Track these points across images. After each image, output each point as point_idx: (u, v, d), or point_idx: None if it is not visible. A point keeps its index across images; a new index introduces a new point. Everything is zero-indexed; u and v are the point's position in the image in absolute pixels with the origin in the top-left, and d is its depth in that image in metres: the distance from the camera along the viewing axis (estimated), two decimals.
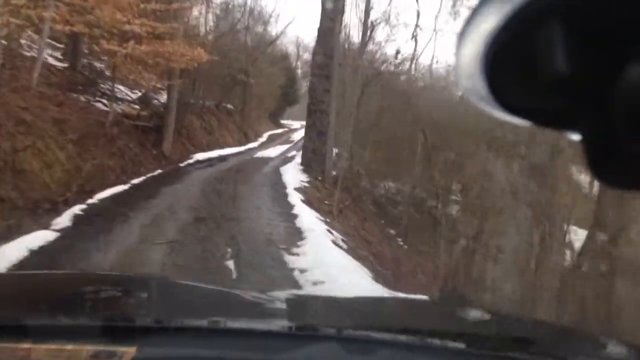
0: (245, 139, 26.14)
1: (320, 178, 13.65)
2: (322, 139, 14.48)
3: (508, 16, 0.30)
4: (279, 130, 37.89)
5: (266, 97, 35.31)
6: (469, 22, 0.33)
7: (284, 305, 1.55)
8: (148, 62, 12.34)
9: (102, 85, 15.11)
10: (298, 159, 17.42)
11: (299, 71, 48.68)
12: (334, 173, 14.59)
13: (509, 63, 0.33)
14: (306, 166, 14.51)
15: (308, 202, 9.99)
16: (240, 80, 25.97)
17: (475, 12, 0.32)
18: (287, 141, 28.65)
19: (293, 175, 13.20)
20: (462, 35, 0.34)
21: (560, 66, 0.30)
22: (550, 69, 0.30)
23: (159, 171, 11.78)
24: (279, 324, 1.14)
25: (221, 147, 20.61)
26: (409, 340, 1.07)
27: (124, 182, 9.70)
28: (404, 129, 16.44)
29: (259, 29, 33.06)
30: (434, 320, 1.51)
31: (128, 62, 12.37)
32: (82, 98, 13.82)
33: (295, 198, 9.80)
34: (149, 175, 11.09)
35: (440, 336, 1.12)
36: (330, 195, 11.82)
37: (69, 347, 0.86)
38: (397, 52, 17.87)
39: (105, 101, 13.71)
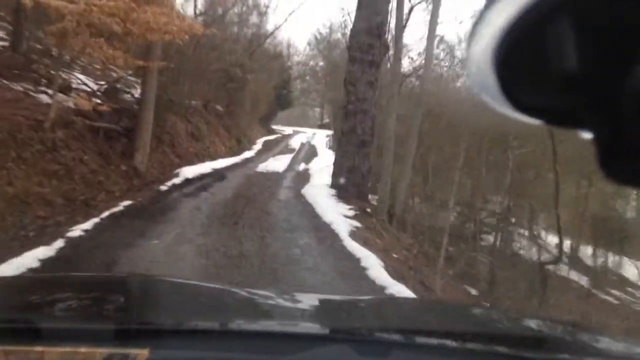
0: (238, 146, 21.75)
1: (367, 209, 9.36)
2: (364, 153, 10.23)
3: (519, 14, 0.30)
4: (273, 137, 33.53)
5: (260, 99, 30.98)
6: (480, 19, 0.33)
7: (295, 307, 1.52)
8: (113, 31, 7.87)
9: (52, 72, 10.64)
10: (317, 177, 13.13)
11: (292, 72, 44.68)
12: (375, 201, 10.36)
13: (520, 61, 0.33)
14: (339, 189, 10.22)
15: (382, 259, 5.71)
16: (234, 76, 21.59)
17: (486, 10, 0.32)
18: (287, 149, 24.31)
19: (328, 206, 8.92)
20: (473, 32, 0.33)
21: (570, 64, 0.30)
22: (561, 67, 0.30)
23: (126, 203, 7.25)
24: (291, 326, 1.13)
25: (212, 157, 16.22)
26: (423, 341, 1.06)
27: (52, 237, 5.06)
28: (459, 144, 12.26)
29: (255, 19, 28.82)
30: (448, 321, 1.45)
31: (82, 30, 7.90)
32: (18, 87, 9.37)
33: (366, 260, 5.52)
34: (106, 213, 6.53)
35: (455, 337, 1.10)
36: (395, 241, 7.53)
37: (82, 349, 0.86)
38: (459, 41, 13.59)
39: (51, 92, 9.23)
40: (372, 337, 1.08)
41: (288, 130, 44.54)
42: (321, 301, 1.68)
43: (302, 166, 17.02)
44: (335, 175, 10.80)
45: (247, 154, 20.13)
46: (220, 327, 1.03)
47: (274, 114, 39.90)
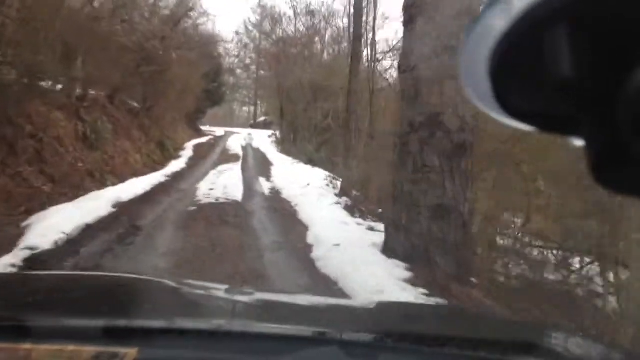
0: (161, 154, 15.50)
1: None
2: (460, 173, 4.63)
3: (514, 20, 0.30)
4: (204, 139, 27.22)
5: (187, 91, 24.66)
6: (475, 24, 0.33)
7: (286, 308, 1.55)
8: None
9: None
10: (311, 210, 7.39)
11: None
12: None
13: (514, 66, 0.33)
14: (410, 260, 4.56)
15: None
16: (153, 54, 15.30)
17: (482, 15, 0.32)
18: (229, 156, 18.26)
19: None
20: (468, 37, 0.33)
21: (565, 70, 0.30)
22: (556, 73, 0.31)
23: None
24: (282, 327, 1.12)
25: (119, 176, 10.04)
26: (413, 346, 1.06)
27: None
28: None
29: None
30: (440, 325, 1.46)
31: None
32: None
33: None
34: None
35: (446, 341, 1.08)
36: None
37: (70, 347, 0.86)
38: None
39: None
40: (361, 340, 1.07)
41: (219, 131, 38.47)
42: (312, 303, 1.74)
43: (265, 184, 11.21)
44: (395, 228, 4.99)
45: (175, 166, 13.96)
46: (210, 328, 1.03)
47: (203, 111, 33.40)
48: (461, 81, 0.35)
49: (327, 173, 12.30)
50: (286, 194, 9.50)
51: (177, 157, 16.48)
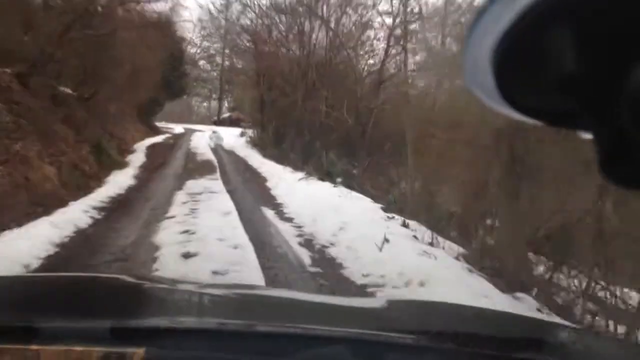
0: (98, 162, 10.46)
1: None
2: None
3: (518, 15, 0.30)
4: (160, 138, 22.17)
5: (139, 77, 19.59)
6: (479, 19, 0.33)
7: (291, 307, 1.55)
8: None
9: None
10: None
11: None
12: None
13: (519, 61, 0.33)
14: None
15: None
16: (87, 12, 10.26)
17: (485, 10, 0.32)
18: (199, 165, 13.13)
19: None
20: (471, 32, 0.33)
21: (569, 65, 0.30)
22: (560, 68, 0.31)
23: None
24: (286, 326, 1.11)
25: (5, 208, 5.11)
26: (416, 342, 1.06)
27: None
28: None
29: None
30: (441, 321, 1.45)
31: None
32: None
33: None
34: None
35: (448, 338, 1.10)
36: None
37: (78, 348, 0.87)
38: None
39: None
40: (367, 338, 1.06)
41: (177, 128, 33.25)
42: (317, 301, 1.75)
43: (289, 237, 5.87)
44: None
45: (117, 184, 8.99)
46: (216, 327, 1.04)
47: (160, 104, 28.09)
48: (465, 76, 0.35)
49: (378, 205, 7.26)
50: (357, 274, 4.56)
51: (122, 165, 11.49)
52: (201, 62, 44.83)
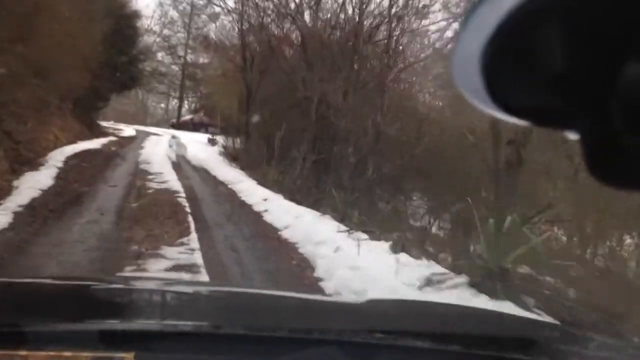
0: None
1: None
2: None
3: (507, 14, 0.30)
4: (98, 143, 15.97)
5: (68, 56, 13.70)
6: (468, 18, 0.33)
7: (283, 308, 1.51)
8: None
9: None
10: None
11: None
12: None
13: (508, 61, 0.33)
14: None
15: None
16: None
17: (474, 9, 0.32)
18: (155, 208, 6.88)
19: None
20: (460, 32, 0.33)
21: (559, 64, 0.30)
22: (549, 67, 0.31)
23: None
24: (279, 328, 1.10)
25: None
26: (409, 344, 1.07)
27: None
28: None
29: None
30: (434, 322, 1.42)
31: None
32: None
33: None
34: None
35: (441, 339, 1.10)
36: None
37: (67, 353, 0.86)
38: None
39: None
40: (359, 339, 1.06)
41: (128, 130, 26.91)
42: (308, 302, 1.74)
43: None
44: None
45: None
46: (207, 330, 1.04)
47: (105, 97, 21.60)
48: (454, 76, 0.35)
49: None
50: None
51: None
52: (160, 55, 38.18)
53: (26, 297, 1.38)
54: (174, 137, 24.98)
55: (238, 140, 15.65)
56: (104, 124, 27.68)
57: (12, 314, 1.14)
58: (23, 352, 0.85)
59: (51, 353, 0.86)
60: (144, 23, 33.80)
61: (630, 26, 0.28)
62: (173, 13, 37.64)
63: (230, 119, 18.26)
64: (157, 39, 37.99)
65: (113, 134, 21.43)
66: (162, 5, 38.09)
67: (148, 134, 25.01)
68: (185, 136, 25.19)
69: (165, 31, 37.69)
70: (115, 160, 11.86)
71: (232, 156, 14.94)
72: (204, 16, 39.09)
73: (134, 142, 18.75)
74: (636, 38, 0.28)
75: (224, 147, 17.36)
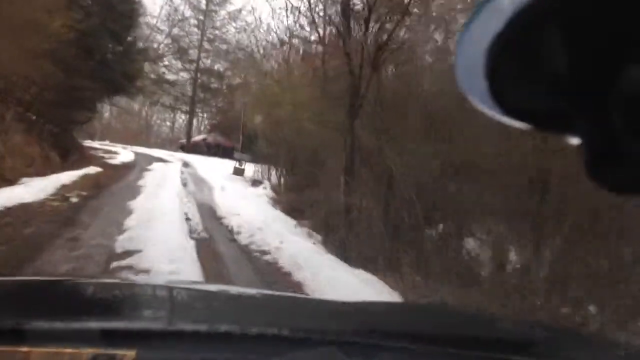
0: None
1: None
2: None
3: (509, 18, 0.31)
4: (50, 188, 8.92)
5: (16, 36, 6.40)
6: (470, 22, 0.33)
7: (283, 308, 1.53)
8: None
9: None
10: None
11: None
12: None
13: (511, 64, 0.33)
14: None
15: None
16: None
17: (476, 13, 0.33)
18: None
19: None
20: (463, 35, 0.34)
21: (561, 67, 0.31)
22: (552, 70, 0.31)
23: None
24: (279, 328, 1.06)
25: None
26: (409, 345, 1.04)
27: None
28: None
29: None
30: (434, 324, 1.44)
31: None
32: None
33: None
34: None
35: (440, 340, 1.08)
36: None
37: (68, 350, 0.85)
38: None
39: None
40: (359, 340, 1.05)
41: (124, 153, 20.50)
42: (308, 303, 1.76)
43: None
44: None
45: None
46: (208, 329, 1.01)
47: (89, 106, 14.95)
48: (458, 80, 0.35)
49: None
50: None
51: None
52: (167, 57, 31.58)
53: (28, 295, 1.37)
54: (186, 164, 18.33)
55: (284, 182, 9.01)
56: (93, 144, 21.16)
57: (14, 311, 1.13)
58: (24, 349, 0.85)
59: (52, 350, 0.85)
60: (149, 21, 27.68)
61: (631, 30, 0.28)
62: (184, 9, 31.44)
63: (278, 142, 11.51)
64: (165, 39, 31.67)
65: (100, 161, 14.80)
66: (171, 1, 31.91)
67: (151, 159, 18.38)
68: (201, 164, 18.51)
69: (175, 30, 31.42)
70: (40, 256, 4.83)
71: (294, 212, 8.20)
72: (222, 12, 32.90)
73: (125, 177, 12.11)
74: (636, 42, 0.28)
75: (275, 187, 10.68)
